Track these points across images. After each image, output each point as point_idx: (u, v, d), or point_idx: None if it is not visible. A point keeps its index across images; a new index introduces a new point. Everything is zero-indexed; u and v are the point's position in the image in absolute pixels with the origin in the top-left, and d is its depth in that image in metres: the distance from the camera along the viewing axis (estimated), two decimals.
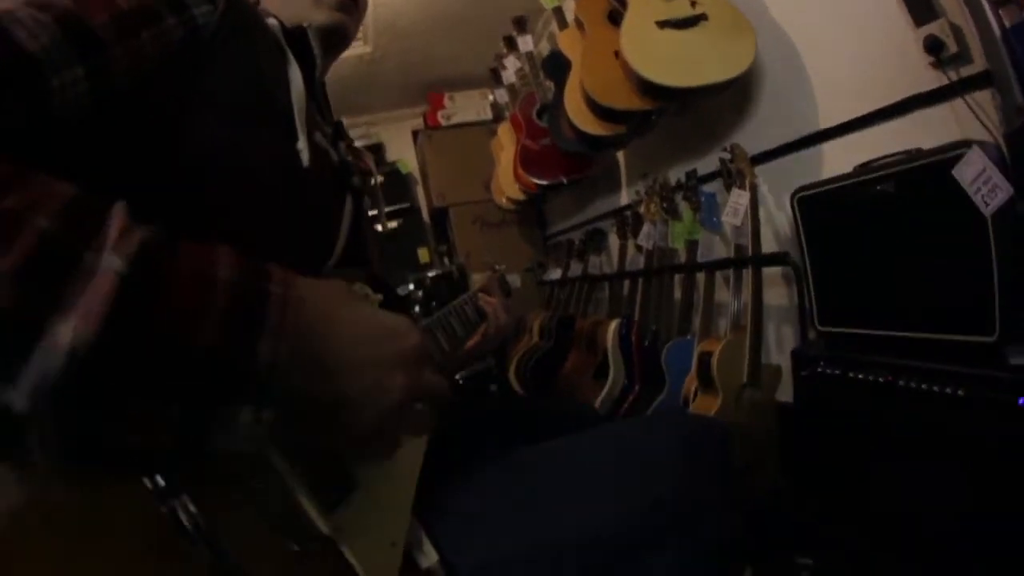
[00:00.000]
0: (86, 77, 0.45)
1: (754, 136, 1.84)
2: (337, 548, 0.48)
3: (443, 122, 3.69)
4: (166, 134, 0.52)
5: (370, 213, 0.86)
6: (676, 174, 2.12)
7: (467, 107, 3.77)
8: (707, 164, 2.01)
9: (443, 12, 2.92)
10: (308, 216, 0.66)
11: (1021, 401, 0.90)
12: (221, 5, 0.58)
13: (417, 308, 2.76)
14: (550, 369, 2.55)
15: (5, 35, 0.40)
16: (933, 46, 1.22)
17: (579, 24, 2.03)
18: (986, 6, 1.11)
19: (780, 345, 1.88)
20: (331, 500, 0.50)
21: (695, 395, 1.68)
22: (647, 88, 1.64)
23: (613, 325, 2.19)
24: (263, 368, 0.38)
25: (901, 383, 1.10)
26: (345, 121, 3.18)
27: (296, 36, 0.73)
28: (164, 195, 0.48)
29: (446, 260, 3.78)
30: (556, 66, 2.26)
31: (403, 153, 4.02)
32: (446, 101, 3.74)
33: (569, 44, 2.16)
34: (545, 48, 3.10)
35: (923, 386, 1.06)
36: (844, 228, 1.27)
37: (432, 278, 2.85)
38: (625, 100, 1.76)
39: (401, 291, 3.26)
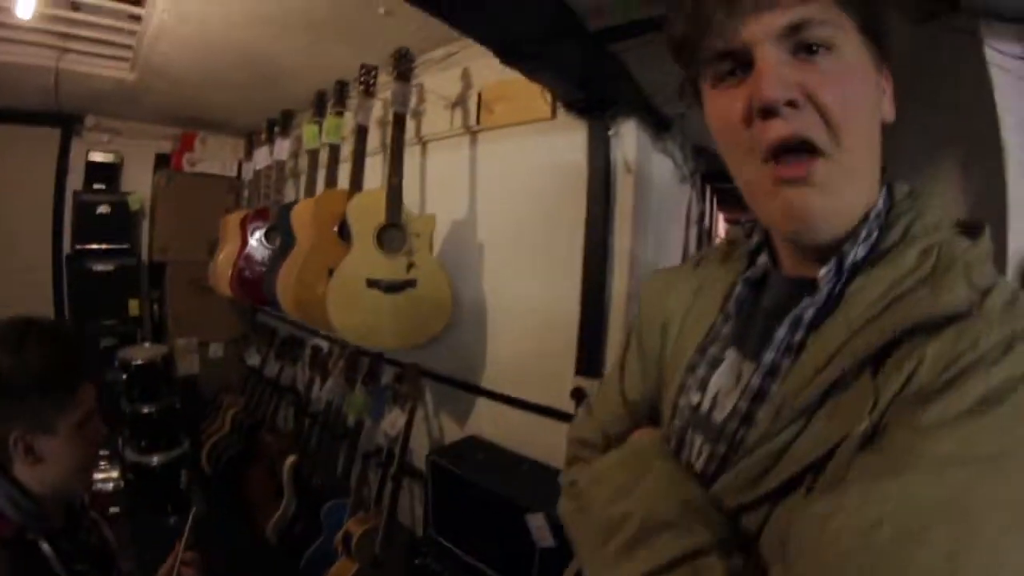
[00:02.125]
0: None
1: (436, 356, 2.27)
2: None
3: (187, 167, 3.56)
4: None
5: None
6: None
7: (215, 156, 3.67)
8: (398, 353, 2.35)
9: (220, 75, 2.76)
10: None
11: None
12: None
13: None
14: (238, 470, 2.83)
15: None
16: (577, 396, 1.74)
17: (316, 215, 2.20)
18: None
19: (413, 511, 2.43)
20: None
21: (341, 554, 2.15)
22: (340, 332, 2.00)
23: (290, 460, 2.56)
24: None
25: None
26: (90, 122, 2.89)
27: None
28: None
29: (155, 309, 3.66)
30: (284, 230, 2.42)
31: (140, 177, 3.68)
32: (196, 144, 3.59)
33: (299, 221, 2.31)
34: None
35: None
36: (457, 492, 1.85)
37: (137, 367, 2.85)
38: (322, 324, 2.06)
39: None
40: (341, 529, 2.20)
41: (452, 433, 2.25)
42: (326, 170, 2.46)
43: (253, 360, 3.36)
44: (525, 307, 2.01)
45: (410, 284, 2.03)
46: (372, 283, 1.98)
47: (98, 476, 2.51)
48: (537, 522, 1.61)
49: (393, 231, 2.05)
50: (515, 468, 1.81)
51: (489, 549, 1.79)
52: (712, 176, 2.42)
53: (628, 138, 1.77)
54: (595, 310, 1.76)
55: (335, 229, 2.18)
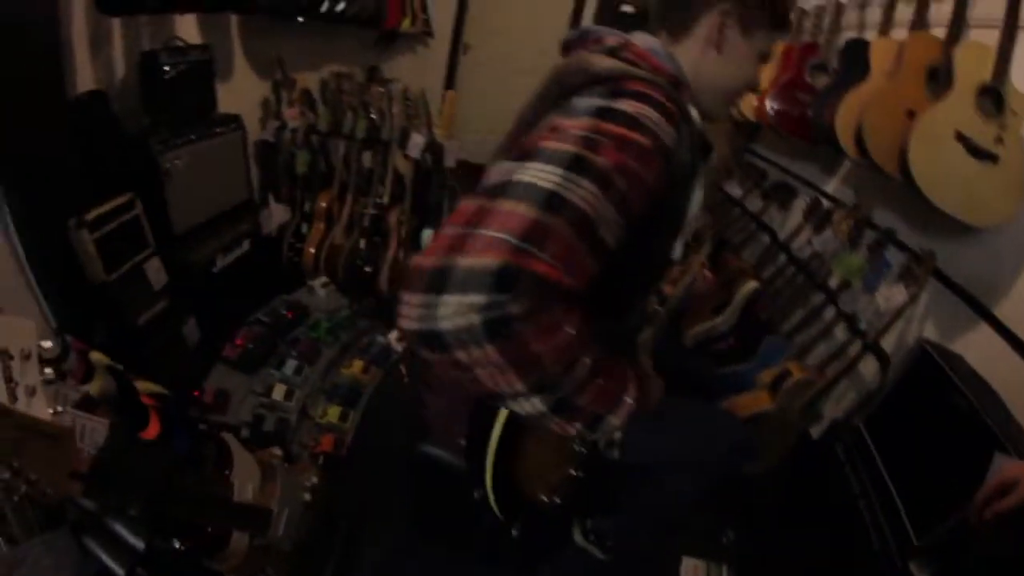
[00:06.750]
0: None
1: (953, 258, 1.94)
2: None
3: None
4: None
5: None
6: (880, 216, 2.35)
7: None
8: (907, 234, 2.18)
9: None
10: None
11: None
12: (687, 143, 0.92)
13: None
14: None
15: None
16: None
17: (898, 56, 2.03)
18: None
19: (841, 397, 2.30)
20: None
21: (762, 386, 2.25)
22: (908, 178, 1.80)
23: (749, 286, 2.65)
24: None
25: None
26: None
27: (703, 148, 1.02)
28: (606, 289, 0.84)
29: None
30: (853, 57, 2.29)
31: None
32: None
33: (879, 54, 2.15)
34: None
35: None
36: (927, 392, 1.69)
37: None
38: (888, 163, 1.92)
39: None
40: (776, 366, 2.26)
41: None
42: (915, 13, 2.15)
43: (735, 191, 3.46)
44: None
45: (991, 158, 1.74)
46: (960, 137, 1.74)
47: None
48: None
49: (992, 95, 1.76)
50: (998, 408, 1.52)
51: (914, 473, 1.61)
52: None
53: None
54: None
55: (924, 69, 1.96)
